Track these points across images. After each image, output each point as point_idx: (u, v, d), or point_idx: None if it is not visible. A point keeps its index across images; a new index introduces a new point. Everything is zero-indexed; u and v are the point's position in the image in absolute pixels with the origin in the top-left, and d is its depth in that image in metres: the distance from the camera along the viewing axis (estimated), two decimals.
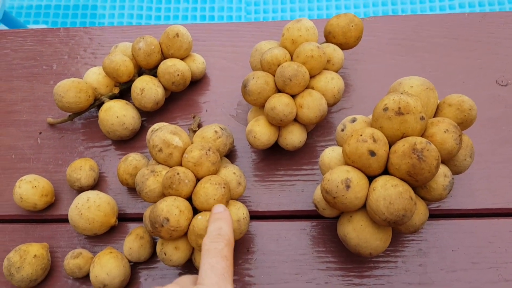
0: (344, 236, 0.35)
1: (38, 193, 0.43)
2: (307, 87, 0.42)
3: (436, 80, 0.49)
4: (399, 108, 0.32)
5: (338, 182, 0.32)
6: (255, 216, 0.44)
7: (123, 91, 0.49)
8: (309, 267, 0.41)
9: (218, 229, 0.31)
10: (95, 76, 0.47)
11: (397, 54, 0.52)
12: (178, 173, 0.35)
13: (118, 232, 0.44)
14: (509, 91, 0.48)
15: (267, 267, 0.41)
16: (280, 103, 0.39)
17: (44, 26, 1.34)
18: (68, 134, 0.50)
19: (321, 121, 0.48)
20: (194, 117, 0.47)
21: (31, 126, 0.51)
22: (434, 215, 0.43)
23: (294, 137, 0.42)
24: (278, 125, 0.41)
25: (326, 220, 0.43)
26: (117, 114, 0.45)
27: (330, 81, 0.41)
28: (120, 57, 0.46)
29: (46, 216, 0.46)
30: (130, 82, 0.48)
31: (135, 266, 0.42)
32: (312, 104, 0.40)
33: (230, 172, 0.38)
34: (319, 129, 0.48)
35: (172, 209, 0.34)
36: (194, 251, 0.37)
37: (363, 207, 0.34)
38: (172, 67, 0.46)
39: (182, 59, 0.48)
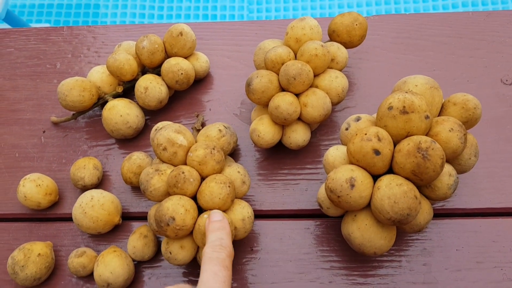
0: (348, 235, 0.35)
1: (42, 191, 0.43)
2: (311, 86, 0.42)
3: (441, 79, 0.49)
4: (404, 107, 0.31)
5: (343, 181, 0.32)
6: (259, 215, 0.44)
7: (127, 90, 0.49)
8: (313, 266, 0.41)
9: (220, 239, 0.32)
10: (98, 75, 0.47)
11: (401, 52, 0.51)
12: (183, 172, 0.35)
13: (122, 231, 0.44)
14: None
15: (271, 266, 0.41)
16: (284, 102, 0.39)
17: (46, 25, 1.35)
18: (72, 133, 0.50)
19: (325, 120, 0.47)
20: (197, 116, 0.47)
21: (35, 124, 0.51)
22: (439, 214, 0.43)
23: (298, 136, 0.42)
24: (282, 124, 0.41)
25: (330, 219, 0.43)
26: (121, 113, 0.45)
27: (334, 80, 0.41)
28: (124, 55, 0.46)
29: (50, 215, 0.46)
30: (133, 81, 0.48)
31: (139, 265, 0.42)
32: (316, 103, 0.40)
33: (234, 171, 0.38)
34: (323, 128, 0.47)
35: (178, 208, 0.34)
36: (199, 249, 0.37)
37: (368, 206, 0.34)
38: (176, 65, 0.46)
39: (185, 57, 0.48)
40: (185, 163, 0.38)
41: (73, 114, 0.49)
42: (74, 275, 0.42)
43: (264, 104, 0.42)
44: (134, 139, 0.49)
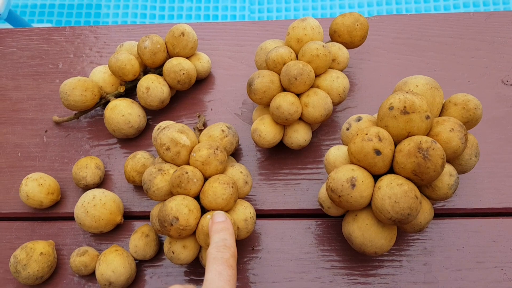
0: (349, 234, 0.35)
1: (44, 191, 0.44)
2: (312, 86, 0.42)
3: (441, 79, 0.49)
4: (405, 107, 0.32)
5: (344, 180, 0.32)
6: (260, 214, 0.44)
7: (129, 90, 0.49)
8: (313, 265, 0.41)
9: (223, 240, 0.33)
10: (101, 75, 0.48)
11: (402, 53, 0.52)
12: (186, 172, 0.35)
13: (123, 230, 0.44)
14: None
15: (272, 265, 0.41)
16: (286, 102, 0.39)
17: (48, 25, 1.35)
18: (74, 133, 0.50)
19: (326, 120, 0.48)
20: (199, 117, 0.47)
21: (37, 124, 0.51)
22: (439, 214, 0.43)
23: (299, 136, 0.42)
24: (283, 124, 0.41)
25: (330, 219, 0.43)
26: (123, 113, 0.45)
27: (336, 80, 0.41)
28: (126, 55, 0.46)
29: (52, 214, 0.46)
30: (135, 80, 0.48)
31: (140, 264, 0.42)
32: (317, 103, 0.40)
33: (237, 171, 0.39)
34: (324, 128, 0.48)
35: (181, 208, 0.34)
36: (201, 249, 0.38)
37: (368, 206, 0.34)
38: (178, 65, 0.46)
39: (187, 58, 0.49)
40: (187, 163, 0.38)
41: (75, 114, 0.49)
42: (76, 274, 0.43)
43: (266, 104, 0.42)
44: (135, 139, 0.49)
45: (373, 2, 1.31)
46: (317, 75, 0.42)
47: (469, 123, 0.35)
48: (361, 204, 0.33)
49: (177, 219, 0.34)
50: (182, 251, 0.36)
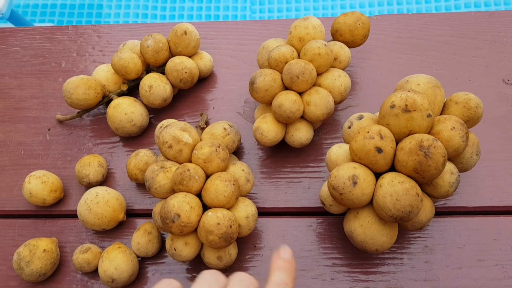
0: (351, 232, 0.35)
1: (47, 188, 0.44)
2: (314, 84, 0.42)
3: (443, 78, 0.49)
4: (406, 105, 0.32)
5: (345, 178, 0.32)
6: (262, 212, 0.44)
7: (132, 88, 0.50)
8: (315, 263, 0.41)
9: (285, 284, 0.29)
10: (103, 73, 0.48)
11: (404, 52, 0.52)
12: (188, 170, 0.36)
13: (126, 228, 0.45)
14: None
15: None
16: (287, 100, 0.39)
17: (50, 24, 1.35)
18: (77, 131, 0.51)
19: (328, 119, 0.48)
20: (201, 115, 0.47)
21: (40, 122, 0.52)
22: (440, 212, 0.43)
23: (301, 134, 0.42)
24: (285, 122, 0.41)
25: (332, 217, 0.43)
26: (126, 111, 0.46)
27: (337, 79, 0.42)
28: (129, 54, 0.46)
29: (55, 212, 0.46)
30: (138, 79, 0.48)
31: (143, 261, 0.43)
32: (319, 101, 0.40)
33: (238, 169, 0.39)
34: (326, 127, 0.48)
35: (183, 205, 0.35)
36: (203, 246, 0.38)
37: (370, 203, 0.34)
38: (180, 64, 0.46)
39: (189, 56, 0.49)
40: (190, 161, 0.38)
41: (78, 112, 0.49)
42: (79, 271, 0.43)
43: (268, 103, 0.42)
44: (138, 137, 0.49)
45: (374, 2, 1.31)
46: (319, 74, 0.42)
47: (470, 121, 0.35)
48: (363, 202, 0.33)
49: (179, 216, 0.34)
50: (184, 248, 0.37)
